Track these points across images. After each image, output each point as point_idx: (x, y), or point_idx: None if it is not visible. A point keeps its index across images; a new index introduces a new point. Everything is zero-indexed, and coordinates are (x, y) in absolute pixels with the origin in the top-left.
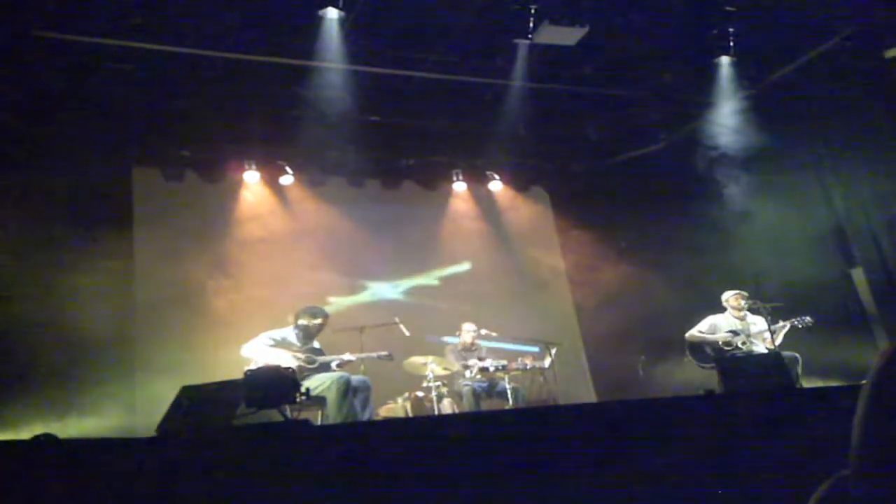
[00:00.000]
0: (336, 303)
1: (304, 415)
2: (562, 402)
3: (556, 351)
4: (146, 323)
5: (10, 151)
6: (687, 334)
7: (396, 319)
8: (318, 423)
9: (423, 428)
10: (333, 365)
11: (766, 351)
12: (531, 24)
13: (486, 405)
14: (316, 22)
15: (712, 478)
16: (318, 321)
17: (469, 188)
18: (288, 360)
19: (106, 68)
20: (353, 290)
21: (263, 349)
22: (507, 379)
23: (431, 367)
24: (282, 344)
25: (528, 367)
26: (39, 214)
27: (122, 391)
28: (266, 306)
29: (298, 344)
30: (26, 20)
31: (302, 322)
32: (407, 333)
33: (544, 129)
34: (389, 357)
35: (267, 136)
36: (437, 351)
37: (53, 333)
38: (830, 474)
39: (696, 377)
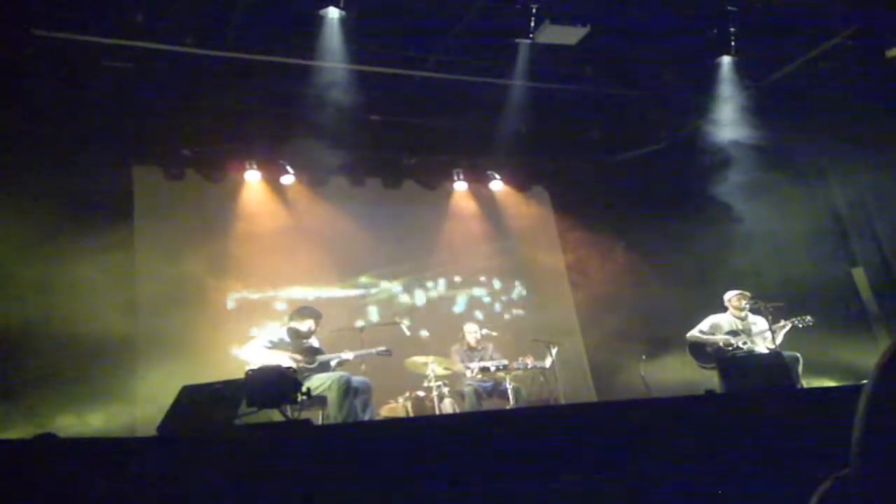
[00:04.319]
0: (336, 302)
1: (304, 415)
2: (562, 401)
3: (557, 351)
4: (147, 322)
5: (10, 150)
6: (688, 334)
7: (397, 319)
8: (319, 422)
9: (424, 428)
10: (333, 364)
11: (766, 351)
12: (532, 24)
13: (488, 405)
14: (316, 22)
15: (712, 478)
16: (309, 321)
17: (470, 187)
18: (286, 361)
19: (106, 68)
20: (354, 288)
21: (261, 352)
22: (508, 379)
23: (432, 366)
24: (279, 345)
25: (528, 366)
26: (40, 213)
27: (123, 390)
28: (267, 306)
29: (296, 344)
30: (27, 19)
31: (293, 324)
32: (407, 333)
33: (545, 128)
34: (388, 352)
35: (268, 136)
36: (439, 351)
37: (54, 332)
38: (830, 474)
39: (697, 377)
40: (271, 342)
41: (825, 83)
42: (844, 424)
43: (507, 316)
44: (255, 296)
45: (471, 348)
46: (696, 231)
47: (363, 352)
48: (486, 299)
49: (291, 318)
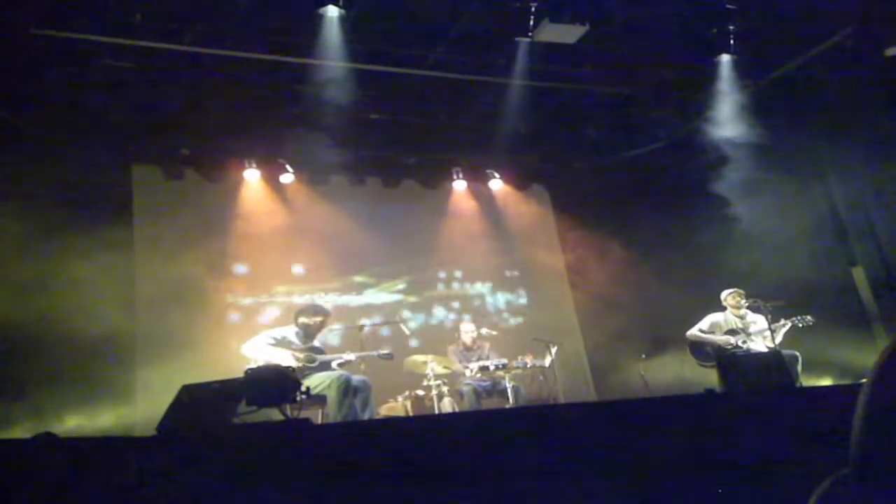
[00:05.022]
0: (336, 301)
1: (304, 414)
2: (562, 401)
3: (556, 350)
4: (146, 321)
5: (9, 149)
6: (688, 333)
7: (397, 318)
8: (319, 422)
9: (423, 427)
10: (334, 364)
11: (766, 350)
12: (532, 22)
13: (487, 404)
14: (316, 20)
15: (712, 477)
16: (319, 319)
17: (469, 186)
18: (288, 359)
19: (106, 67)
20: (353, 288)
21: (264, 348)
22: (507, 378)
23: (432, 365)
24: (282, 343)
25: (528, 365)
26: (39, 212)
27: (123, 390)
28: (266, 305)
29: (299, 343)
30: (26, 18)
31: (302, 320)
32: (407, 332)
33: (544, 127)
34: (390, 356)
35: (267, 135)
36: (438, 350)
37: (53, 332)
38: (830, 474)
39: (697, 376)
40: (275, 339)
41: (825, 83)
42: (844, 424)
43: (506, 315)
44: (254, 295)
45: (467, 348)
46: (695, 230)
47: (365, 353)
48: (486, 298)
49: (300, 315)
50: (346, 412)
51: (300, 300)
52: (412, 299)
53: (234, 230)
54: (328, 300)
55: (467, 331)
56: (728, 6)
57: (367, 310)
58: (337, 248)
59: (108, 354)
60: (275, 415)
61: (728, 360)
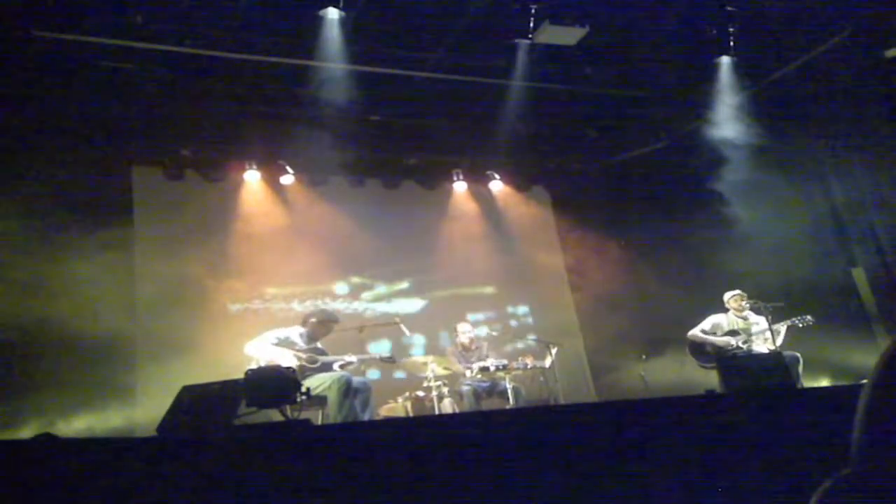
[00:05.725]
0: (336, 303)
1: (304, 414)
2: (562, 401)
3: (556, 351)
4: (147, 322)
5: (10, 150)
6: (689, 333)
7: (397, 319)
8: (319, 422)
9: (423, 428)
10: (335, 366)
11: (767, 350)
12: (531, 24)
13: (487, 405)
14: (316, 22)
15: (712, 477)
16: (329, 325)
17: (469, 188)
18: (291, 359)
19: (106, 68)
20: (353, 289)
21: (268, 347)
22: (507, 379)
23: (432, 366)
24: (286, 343)
25: (528, 366)
26: (40, 213)
27: (123, 390)
28: (266, 306)
29: (303, 344)
30: (27, 21)
31: (313, 320)
32: (407, 333)
33: (545, 129)
34: (391, 360)
35: (267, 136)
36: (438, 351)
37: (54, 332)
38: (830, 474)
39: (697, 377)
40: (279, 338)
41: (824, 83)
42: (844, 424)
43: (505, 316)
44: (254, 296)
45: (465, 348)
46: (695, 231)
47: (366, 356)
48: (486, 300)
49: (313, 317)
50: (347, 413)
51: (300, 301)
52: (412, 300)
53: (235, 231)
54: (327, 300)
55: (464, 331)
56: (728, 7)
57: (367, 311)
58: (337, 250)
59: (108, 355)
60: (275, 416)
61: (728, 361)
